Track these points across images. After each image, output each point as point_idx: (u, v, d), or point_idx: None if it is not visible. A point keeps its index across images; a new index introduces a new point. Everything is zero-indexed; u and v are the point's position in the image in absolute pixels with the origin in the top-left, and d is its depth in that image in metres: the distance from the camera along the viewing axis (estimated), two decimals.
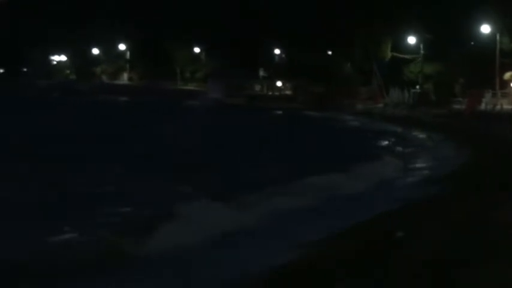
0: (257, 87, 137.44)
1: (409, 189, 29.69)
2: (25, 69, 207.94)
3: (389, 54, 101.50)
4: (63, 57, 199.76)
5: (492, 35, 76.07)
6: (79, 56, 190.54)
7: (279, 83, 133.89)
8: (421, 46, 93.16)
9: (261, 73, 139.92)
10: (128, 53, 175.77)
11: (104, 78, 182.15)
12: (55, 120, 72.68)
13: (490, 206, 20.94)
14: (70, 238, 19.86)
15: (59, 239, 19.47)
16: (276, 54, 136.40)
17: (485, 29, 77.26)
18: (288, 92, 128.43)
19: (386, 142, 57.72)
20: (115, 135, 56.64)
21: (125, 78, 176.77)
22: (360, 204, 26.04)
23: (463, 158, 39.65)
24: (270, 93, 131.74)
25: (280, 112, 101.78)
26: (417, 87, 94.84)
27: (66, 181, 29.98)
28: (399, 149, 50.67)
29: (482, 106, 77.37)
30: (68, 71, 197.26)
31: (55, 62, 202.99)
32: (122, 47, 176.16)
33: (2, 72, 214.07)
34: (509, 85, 78.32)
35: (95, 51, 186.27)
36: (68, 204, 24.87)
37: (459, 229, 17.84)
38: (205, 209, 23.58)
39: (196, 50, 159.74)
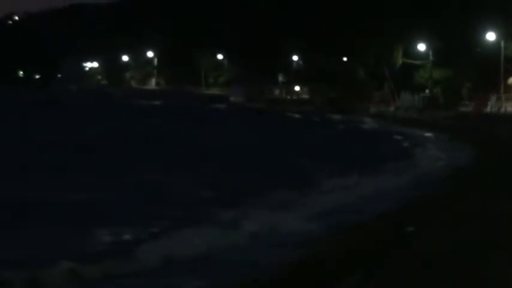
0: (276, 92, 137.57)
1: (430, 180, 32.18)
2: (59, 75, 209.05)
3: (400, 60, 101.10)
4: (95, 64, 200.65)
5: (497, 42, 75.87)
6: (110, 63, 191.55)
7: (296, 88, 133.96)
8: (430, 53, 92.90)
9: (280, 78, 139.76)
10: (156, 60, 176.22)
11: (133, 83, 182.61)
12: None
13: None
14: None
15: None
16: (294, 61, 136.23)
17: (491, 36, 77.10)
18: (305, 96, 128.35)
19: (403, 142, 58.24)
20: (155, 136, 58.48)
21: (152, 83, 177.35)
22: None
23: (472, 154, 40.26)
24: (289, 97, 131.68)
25: (299, 116, 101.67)
26: (427, 91, 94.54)
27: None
28: (417, 147, 51.44)
29: (488, 109, 77.17)
30: (100, 77, 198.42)
31: (87, 68, 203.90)
32: (150, 54, 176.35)
33: (38, 78, 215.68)
34: None
35: (125, 58, 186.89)
36: None
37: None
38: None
39: (219, 56, 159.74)
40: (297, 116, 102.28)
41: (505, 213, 18.63)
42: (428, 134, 63.02)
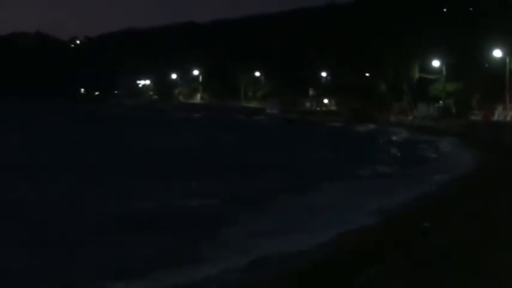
0: (307, 104, 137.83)
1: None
2: (116, 92, 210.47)
3: (417, 75, 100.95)
4: (147, 81, 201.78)
5: (503, 58, 75.44)
6: (160, 80, 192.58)
7: (325, 100, 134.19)
8: (444, 68, 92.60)
9: (311, 92, 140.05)
10: (200, 77, 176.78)
11: (181, 98, 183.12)
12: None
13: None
14: None
15: None
16: (322, 76, 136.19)
17: (497, 53, 76.71)
18: (332, 108, 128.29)
19: (424, 145, 58.86)
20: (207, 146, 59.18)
21: (197, 98, 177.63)
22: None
23: (481, 156, 40.63)
24: (318, 108, 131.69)
25: (329, 124, 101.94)
26: (440, 102, 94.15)
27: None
28: (435, 150, 52.31)
29: (495, 117, 77.03)
30: (151, 93, 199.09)
31: (140, 85, 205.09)
32: (195, 72, 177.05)
33: (98, 94, 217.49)
34: None
35: (173, 76, 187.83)
36: None
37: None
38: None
39: (257, 73, 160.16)
40: (328, 124, 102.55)
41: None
42: (444, 139, 63.15)
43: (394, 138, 73.70)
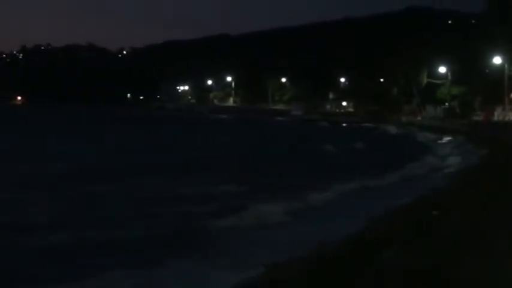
0: (327, 106, 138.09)
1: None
2: (158, 96, 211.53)
3: (425, 80, 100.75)
4: (186, 87, 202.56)
5: (502, 65, 74.94)
6: (197, 86, 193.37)
7: (344, 103, 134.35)
8: (449, 74, 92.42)
9: (331, 96, 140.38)
10: (233, 83, 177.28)
11: (215, 101, 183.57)
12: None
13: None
14: None
15: None
16: (341, 82, 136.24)
17: (497, 60, 76.26)
18: (350, 109, 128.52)
19: (434, 140, 58.91)
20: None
21: (230, 101, 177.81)
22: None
23: (483, 150, 40.59)
24: (337, 110, 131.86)
25: (347, 124, 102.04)
26: (446, 104, 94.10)
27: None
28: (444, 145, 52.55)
29: (495, 117, 76.65)
30: (190, 97, 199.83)
31: (180, 90, 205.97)
32: (228, 78, 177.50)
33: (143, 99, 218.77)
34: None
35: (209, 81, 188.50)
36: None
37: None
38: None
39: (283, 79, 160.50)
40: (346, 124, 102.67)
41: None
42: (450, 136, 62.96)
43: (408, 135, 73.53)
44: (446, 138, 61.12)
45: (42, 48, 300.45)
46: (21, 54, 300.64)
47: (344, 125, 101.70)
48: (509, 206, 15.88)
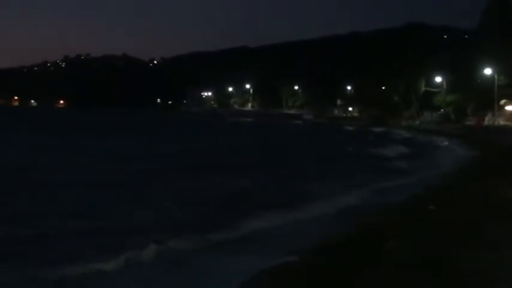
0: (335, 111, 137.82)
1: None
2: (185, 101, 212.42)
3: (423, 88, 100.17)
4: (209, 93, 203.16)
5: (492, 75, 74.80)
6: (219, 92, 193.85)
7: (350, 108, 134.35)
8: (444, 83, 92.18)
9: (338, 102, 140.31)
10: (251, 90, 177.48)
11: (235, 106, 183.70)
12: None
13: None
14: None
15: None
16: (347, 89, 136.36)
17: (488, 71, 76.03)
18: (355, 114, 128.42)
19: (430, 141, 58.86)
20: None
21: (249, 106, 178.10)
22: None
23: (475, 151, 40.70)
24: (344, 115, 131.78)
25: (352, 128, 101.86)
26: (442, 110, 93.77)
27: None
28: (438, 145, 52.54)
29: (485, 122, 76.37)
30: (212, 102, 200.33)
31: (204, 96, 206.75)
32: (247, 85, 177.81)
33: (171, 103, 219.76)
34: (503, 108, 77.08)
35: (230, 88, 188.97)
36: None
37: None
38: None
39: (296, 87, 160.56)
40: (351, 128, 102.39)
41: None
42: (445, 138, 62.84)
43: (409, 136, 73.22)
44: (444, 141, 60.90)
45: (82, 58, 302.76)
46: (63, 63, 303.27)
47: (351, 128, 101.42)
48: (501, 195, 16.20)
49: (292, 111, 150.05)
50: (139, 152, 39.37)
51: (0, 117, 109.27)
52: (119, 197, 18.71)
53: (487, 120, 76.77)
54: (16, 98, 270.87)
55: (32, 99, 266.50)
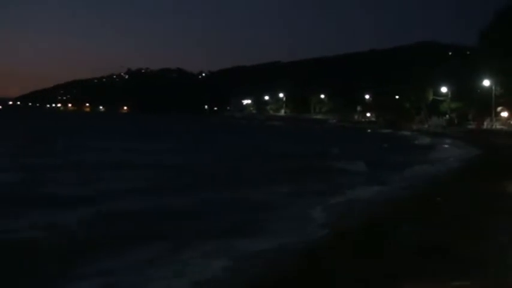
0: (356, 116, 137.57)
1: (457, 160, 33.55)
2: (228, 108, 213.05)
3: (431, 97, 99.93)
4: (249, 101, 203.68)
5: (490, 86, 74.48)
6: (257, 99, 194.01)
7: (368, 114, 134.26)
8: (449, 92, 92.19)
9: (358, 108, 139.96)
10: (284, 98, 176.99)
11: (271, 111, 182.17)
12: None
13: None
14: None
15: None
16: (366, 98, 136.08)
17: (486, 83, 75.67)
18: (373, 119, 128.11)
19: (436, 142, 59.09)
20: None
21: (282, 112, 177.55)
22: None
23: (476, 150, 40.94)
24: (363, 119, 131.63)
25: (370, 130, 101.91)
26: (447, 116, 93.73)
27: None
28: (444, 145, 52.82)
29: (484, 126, 76.32)
30: (252, 108, 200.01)
31: (244, 103, 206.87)
32: (280, 94, 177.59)
33: (216, 109, 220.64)
34: (500, 114, 76.81)
35: (266, 97, 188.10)
36: None
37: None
38: None
39: (322, 96, 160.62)
40: (369, 130, 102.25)
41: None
42: (450, 139, 62.88)
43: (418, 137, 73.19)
44: (449, 141, 60.93)
45: (143, 71, 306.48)
46: (127, 75, 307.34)
47: (369, 130, 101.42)
48: (499, 188, 15.80)
49: (318, 116, 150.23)
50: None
51: (85, 121, 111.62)
52: None
53: (486, 124, 76.65)
54: (87, 104, 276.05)
55: (100, 106, 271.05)
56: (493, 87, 73.43)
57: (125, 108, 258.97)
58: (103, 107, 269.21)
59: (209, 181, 20.50)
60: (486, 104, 74.53)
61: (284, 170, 23.87)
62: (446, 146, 51.94)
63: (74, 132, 61.20)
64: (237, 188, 18.31)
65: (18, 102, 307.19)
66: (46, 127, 72.46)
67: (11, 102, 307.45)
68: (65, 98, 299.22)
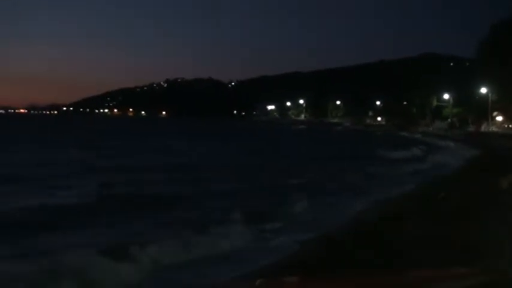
0: (367, 120, 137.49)
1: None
2: (254, 112, 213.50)
3: (435, 103, 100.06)
4: (273, 106, 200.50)
5: (487, 93, 74.18)
6: (280, 105, 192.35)
7: (378, 118, 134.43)
8: (451, 99, 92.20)
9: (370, 113, 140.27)
10: (304, 104, 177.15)
11: (292, 116, 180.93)
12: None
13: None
14: None
15: None
16: (377, 104, 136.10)
17: (483, 90, 75.31)
18: (383, 123, 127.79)
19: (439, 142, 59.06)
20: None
21: (302, 116, 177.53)
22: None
23: (474, 151, 40.71)
24: (374, 123, 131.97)
25: (381, 132, 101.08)
26: (449, 119, 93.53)
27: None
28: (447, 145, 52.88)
29: (482, 129, 76.12)
30: (275, 113, 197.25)
31: (269, 109, 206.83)
32: (301, 101, 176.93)
33: (244, 114, 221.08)
34: (495, 119, 76.63)
35: (288, 103, 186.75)
36: None
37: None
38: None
39: (338, 102, 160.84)
40: (380, 132, 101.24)
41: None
42: (452, 141, 62.20)
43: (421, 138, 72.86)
44: (451, 142, 60.25)
45: (179, 80, 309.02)
46: (165, 84, 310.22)
47: (379, 133, 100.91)
48: (495, 185, 15.38)
49: (335, 120, 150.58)
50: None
51: (136, 124, 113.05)
52: None
53: (483, 127, 76.62)
54: (131, 110, 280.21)
55: (142, 111, 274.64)
56: (490, 94, 73.45)
57: (164, 113, 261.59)
58: (144, 112, 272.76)
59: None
60: (483, 109, 74.21)
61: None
62: (447, 146, 52.24)
63: (135, 133, 63.02)
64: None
65: (71, 108, 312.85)
66: (109, 130, 74.76)
67: (64, 108, 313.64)
68: (111, 104, 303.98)
